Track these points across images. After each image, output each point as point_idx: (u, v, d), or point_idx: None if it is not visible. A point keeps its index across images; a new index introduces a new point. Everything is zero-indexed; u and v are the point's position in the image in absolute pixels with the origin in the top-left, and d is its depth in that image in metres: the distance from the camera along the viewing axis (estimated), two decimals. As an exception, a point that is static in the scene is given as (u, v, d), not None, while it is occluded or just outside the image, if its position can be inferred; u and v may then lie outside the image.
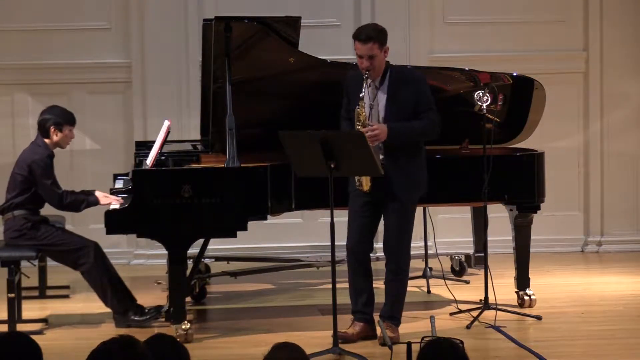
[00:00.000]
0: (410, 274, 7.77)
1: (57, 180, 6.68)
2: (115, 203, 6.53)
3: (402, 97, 6.05)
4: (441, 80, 7.14)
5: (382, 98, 6.07)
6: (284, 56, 6.62)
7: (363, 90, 5.97)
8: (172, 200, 6.17)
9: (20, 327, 6.43)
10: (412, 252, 8.16)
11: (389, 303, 6.23)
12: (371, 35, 6.00)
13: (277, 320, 6.89)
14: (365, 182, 6.04)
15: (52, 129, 6.71)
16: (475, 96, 6.71)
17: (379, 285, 6.35)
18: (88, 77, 8.99)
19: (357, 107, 5.98)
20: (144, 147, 7.47)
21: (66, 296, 7.59)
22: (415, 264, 8.13)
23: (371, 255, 6.34)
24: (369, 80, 6.01)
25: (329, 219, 5.88)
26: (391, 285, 6.21)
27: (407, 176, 6.06)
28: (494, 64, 7.96)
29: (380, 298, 6.30)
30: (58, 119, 6.73)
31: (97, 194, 6.68)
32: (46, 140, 6.73)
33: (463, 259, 8.07)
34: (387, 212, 6.13)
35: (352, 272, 6.24)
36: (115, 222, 6.26)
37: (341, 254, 6.40)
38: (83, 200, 6.67)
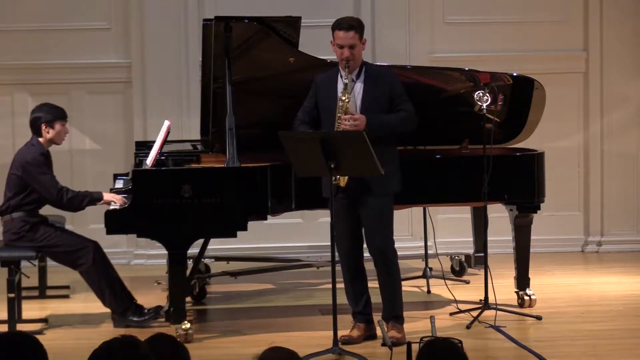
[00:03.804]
0: (410, 274, 7.82)
1: (56, 179, 6.64)
2: (116, 203, 6.52)
3: (378, 90, 6.07)
4: (441, 80, 7.14)
5: (359, 90, 6.08)
6: (284, 56, 6.62)
7: (344, 80, 5.98)
8: (172, 200, 6.16)
9: (20, 327, 6.41)
10: (412, 252, 8.25)
11: (388, 303, 6.21)
12: (353, 24, 6.09)
13: (277, 320, 6.89)
14: (342, 178, 5.94)
15: (43, 126, 6.69)
16: (475, 96, 6.71)
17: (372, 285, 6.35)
18: (88, 77, 8.98)
19: (342, 96, 5.96)
20: (144, 147, 7.47)
21: (66, 296, 7.58)
22: (415, 264, 8.15)
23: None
24: (346, 72, 5.99)
25: (329, 219, 5.88)
26: (386, 284, 6.19)
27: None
28: (494, 64, 7.95)
29: (375, 298, 6.30)
30: (48, 115, 6.70)
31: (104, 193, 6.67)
32: (40, 139, 6.71)
33: (463, 259, 8.07)
34: (365, 210, 6.09)
35: (349, 276, 6.25)
36: (115, 222, 6.26)
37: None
38: (86, 195, 6.63)
